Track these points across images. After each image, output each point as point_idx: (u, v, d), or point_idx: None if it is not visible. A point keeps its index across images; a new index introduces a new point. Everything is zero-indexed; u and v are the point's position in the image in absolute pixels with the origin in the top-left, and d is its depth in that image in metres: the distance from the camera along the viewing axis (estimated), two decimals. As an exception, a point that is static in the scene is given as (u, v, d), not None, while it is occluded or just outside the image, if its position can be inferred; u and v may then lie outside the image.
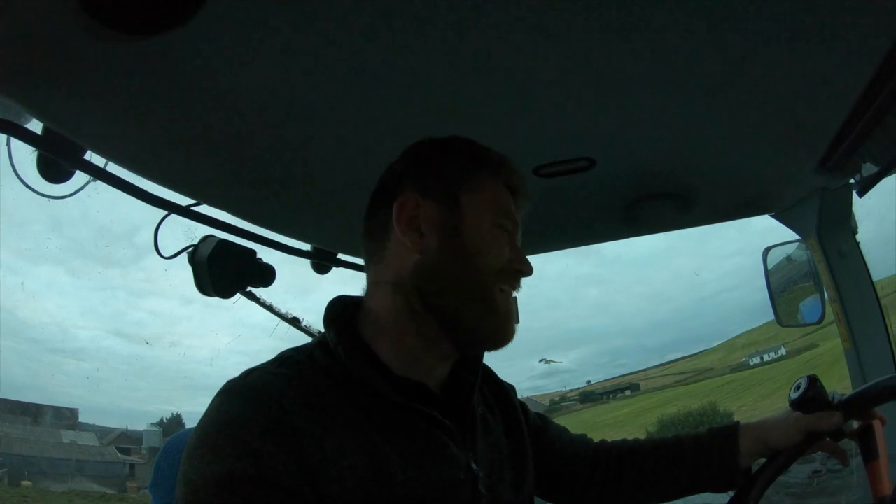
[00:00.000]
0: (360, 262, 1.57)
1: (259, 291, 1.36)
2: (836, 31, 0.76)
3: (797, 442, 0.86)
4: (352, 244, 1.51)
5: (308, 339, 1.41)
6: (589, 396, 79.35)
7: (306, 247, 1.48)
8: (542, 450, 0.91)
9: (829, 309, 1.44)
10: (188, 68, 0.73)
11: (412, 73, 0.80)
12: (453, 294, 0.71)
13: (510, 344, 0.75)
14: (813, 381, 0.88)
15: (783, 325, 1.60)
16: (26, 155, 0.87)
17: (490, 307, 0.72)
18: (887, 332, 1.33)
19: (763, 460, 0.90)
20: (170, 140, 0.90)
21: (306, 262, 1.54)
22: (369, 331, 0.73)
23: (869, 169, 1.09)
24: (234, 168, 1.02)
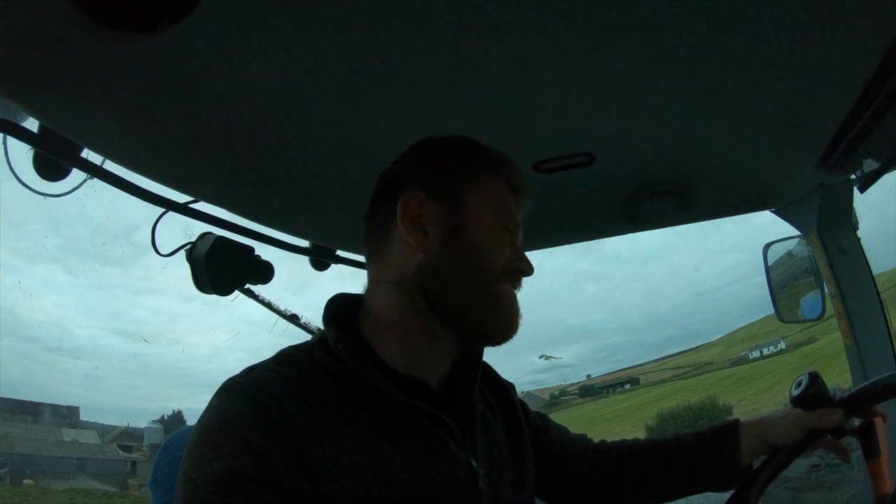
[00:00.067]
0: (359, 258, 1.59)
1: (258, 288, 1.36)
2: (837, 27, 0.75)
3: (798, 439, 0.86)
4: (350, 241, 1.50)
5: (307, 336, 1.41)
6: (589, 390, 79.53)
7: (305, 243, 1.47)
8: (541, 448, 0.91)
9: (829, 304, 1.44)
10: (185, 66, 0.72)
11: (411, 71, 0.79)
12: (457, 292, 0.71)
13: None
14: (814, 378, 0.88)
15: (784, 321, 1.60)
16: (23, 153, 0.87)
17: (494, 304, 0.73)
18: (888, 328, 1.33)
19: (763, 458, 0.90)
20: (167, 138, 0.89)
21: (305, 259, 1.53)
22: (370, 328, 0.72)
23: (870, 165, 1.08)
24: (232, 165, 1.01)
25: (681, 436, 0.95)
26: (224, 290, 1.23)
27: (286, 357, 0.70)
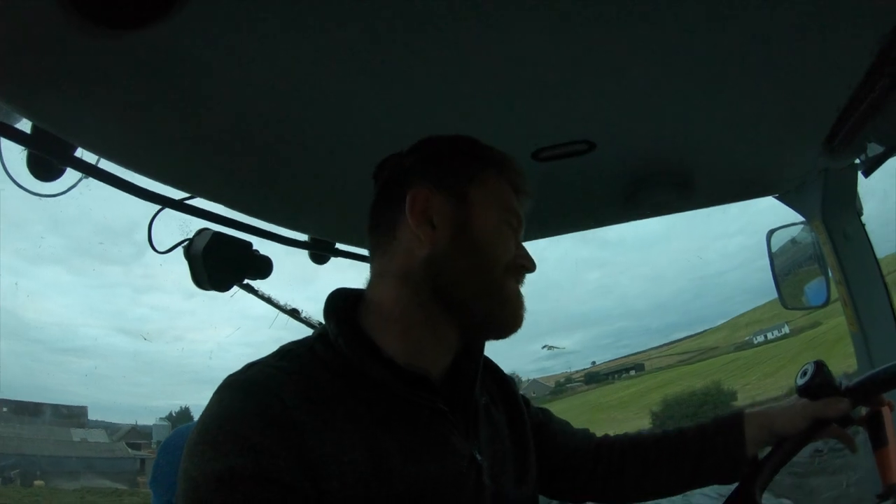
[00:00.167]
0: (359, 251, 1.59)
1: (258, 283, 1.36)
2: (839, 9, 0.74)
3: (804, 429, 0.85)
4: (350, 233, 1.50)
5: (308, 330, 1.41)
6: (594, 377, 79.67)
7: (303, 237, 1.47)
8: (543, 443, 0.91)
9: (833, 290, 1.43)
10: (178, 62, 0.72)
11: (407, 60, 0.78)
12: (464, 286, 0.72)
13: None
14: (820, 366, 0.87)
15: (788, 308, 1.59)
16: (16, 154, 0.86)
17: (500, 298, 0.74)
18: (894, 314, 1.31)
19: (769, 448, 0.89)
20: (161, 134, 0.89)
21: (308, 253, 1.53)
22: (372, 322, 0.73)
23: (874, 149, 1.07)
24: (228, 160, 1.01)
25: (684, 428, 0.95)
26: (222, 286, 1.22)
27: (287, 352, 0.70)
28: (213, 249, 1.19)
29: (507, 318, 0.75)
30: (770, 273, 1.59)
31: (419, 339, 0.72)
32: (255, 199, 1.20)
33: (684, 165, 1.26)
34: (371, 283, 0.77)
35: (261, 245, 1.34)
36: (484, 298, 0.73)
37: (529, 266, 0.78)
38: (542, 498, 0.90)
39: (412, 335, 0.72)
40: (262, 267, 1.32)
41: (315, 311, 1.53)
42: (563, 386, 77.05)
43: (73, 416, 39.41)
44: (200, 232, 1.21)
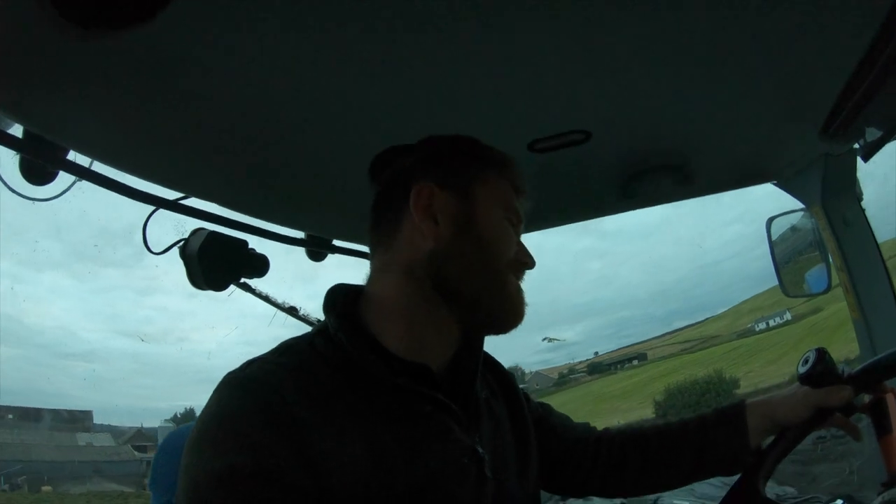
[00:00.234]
0: (356, 247, 1.58)
1: (255, 282, 1.36)
2: None
3: (807, 418, 0.85)
4: (347, 230, 1.50)
5: (306, 328, 1.41)
6: (597, 368, 79.81)
7: (300, 234, 1.46)
8: (544, 436, 0.91)
9: (834, 277, 1.42)
10: (167, 61, 0.71)
11: (400, 53, 0.77)
12: (467, 280, 0.73)
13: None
14: (821, 354, 0.86)
15: (789, 296, 1.59)
16: (8, 158, 0.87)
17: (502, 293, 0.75)
18: (896, 300, 1.30)
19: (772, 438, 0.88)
20: (154, 135, 0.88)
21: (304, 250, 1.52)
22: (373, 316, 0.73)
23: (873, 133, 1.05)
24: (222, 159, 1.00)
25: (686, 419, 0.94)
26: (219, 286, 1.23)
27: (287, 348, 0.70)
28: (209, 249, 1.19)
29: (509, 313, 0.76)
30: (770, 260, 1.59)
31: (421, 333, 0.73)
32: (251, 197, 1.19)
33: (682, 153, 1.25)
34: (372, 278, 0.78)
35: (258, 244, 1.34)
36: (486, 293, 0.74)
37: (529, 263, 0.79)
38: (542, 493, 0.90)
39: (414, 329, 0.73)
40: (259, 265, 1.32)
41: (315, 308, 1.53)
42: (566, 377, 77.22)
43: (79, 420, 39.67)
44: (196, 232, 1.21)
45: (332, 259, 1.59)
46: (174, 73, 0.74)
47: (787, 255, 1.57)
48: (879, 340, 1.30)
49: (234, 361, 0.67)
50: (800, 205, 1.49)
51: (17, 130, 0.82)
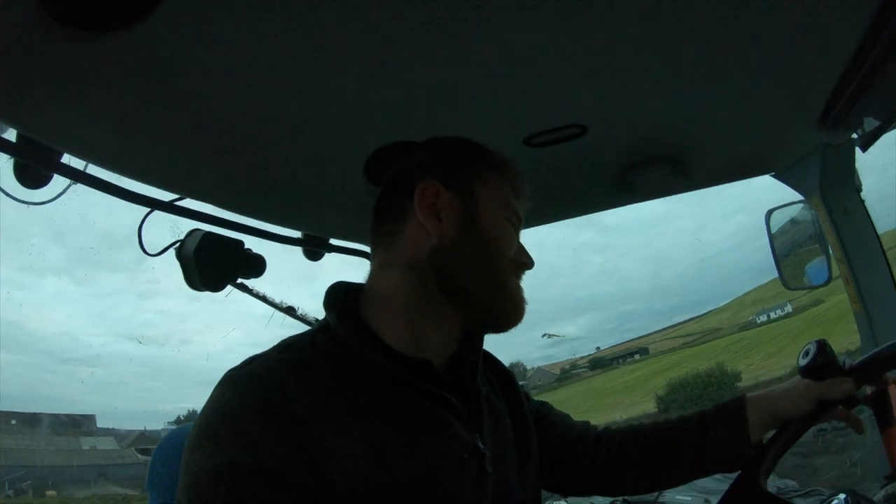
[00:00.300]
0: (354, 246, 1.57)
1: (253, 282, 1.35)
2: None
3: (808, 411, 0.84)
4: (344, 229, 1.50)
5: (305, 327, 1.41)
6: (599, 363, 79.95)
7: (296, 234, 1.46)
8: (543, 434, 0.90)
9: (835, 269, 1.42)
10: (160, 62, 0.71)
11: (395, 50, 0.77)
12: (470, 278, 0.74)
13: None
14: (822, 346, 0.85)
15: (790, 289, 1.58)
16: (2, 162, 0.86)
17: (504, 291, 0.76)
18: (897, 290, 1.29)
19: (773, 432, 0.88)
20: (148, 136, 0.88)
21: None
22: (374, 313, 0.73)
23: (871, 123, 1.05)
24: (216, 160, 1.00)
25: (686, 416, 0.94)
26: (216, 286, 1.22)
27: (288, 345, 0.70)
28: (205, 250, 1.19)
29: (510, 311, 0.77)
30: (769, 250, 1.58)
31: (422, 329, 0.73)
32: (247, 197, 1.19)
33: (679, 146, 1.24)
34: (373, 274, 0.78)
35: (255, 244, 1.34)
36: (488, 291, 0.75)
37: (529, 263, 0.80)
38: (542, 493, 0.89)
39: (415, 324, 0.73)
40: (255, 265, 1.32)
41: (314, 308, 1.53)
42: (568, 373, 77.35)
43: (82, 424, 39.74)
44: (191, 233, 1.20)
45: (331, 259, 1.59)
46: (168, 73, 0.73)
47: (787, 247, 1.57)
48: (881, 332, 1.29)
49: (236, 363, 0.68)
50: (799, 196, 1.48)
51: (10, 135, 0.82)
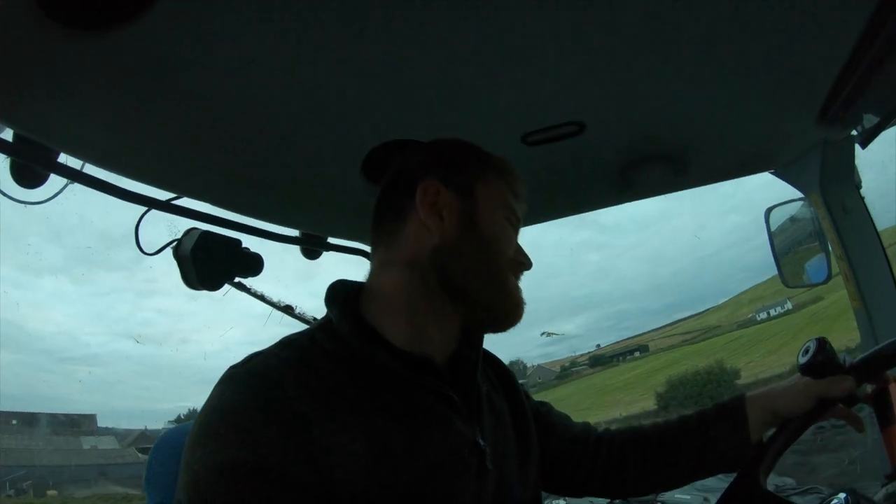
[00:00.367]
0: (352, 244, 1.57)
1: (250, 281, 1.35)
2: None
3: (808, 409, 0.84)
4: (342, 227, 1.49)
5: (304, 326, 1.41)
6: (599, 360, 79.92)
7: (294, 232, 1.46)
8: (543, 434, 0.91)
9: (835, 266, 1.41)
10: (156, 60, 0.70)
11: (391, 48, 0.77)
12: (470, 276, 0.75)
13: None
14: (822, 343, 0.85)
15: (789, 287, 1.57)
16: None
17: (504, 290, 0.77)
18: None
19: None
20: (144, 135, 0.88)
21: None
22: (375, 311, 0.74)
23: (870, 120, 1.04)
24: (213, 158, 0.99)
25: (685, 417, 0.94)
26: (213, 286, 1.22)
27: (289, 343, 0.70)
28: (202, 249, 1.18)
29: (510, 311, 0.77)
30: (767, 247, 1.58)
31: (423, 326, 0.74)
32: (244, 196, 1.19)
33: (678, 143, 1.23)
34: (374, 273, 0.79)
35: (254, 243, 1.34)
36: (488, 290, 0.76)
37: (527, 264, 0.81)
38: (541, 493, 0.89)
39: (416, 322, 0.74)
40: (253, 264, 1.32)
41: (312, 307, 1.53)
42: (568, 370, 77.35)
43: (82, 424, 39.82)
44: (188, 232, 1.20)
45: (329, 258, 1.59)
46: (165, 72, 0.73)
47: (787, 245, 1.56)
48: (881, 329, 1.29)
49: (233, 362, 0.67)
50: (798, 193, 1.48)
51: (7, 134, 0.82)
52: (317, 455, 0.59)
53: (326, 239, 1.53)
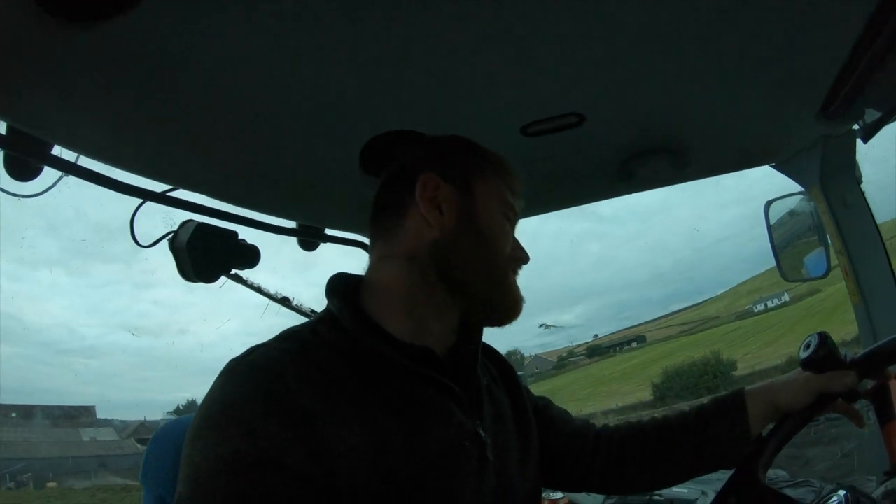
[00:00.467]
0: (349, 236, 1.56)
1: (247, 273, 1.35)
2: None
3: (809, 404, 0.84)
4: (339, 219, 1.48)
5: (300, 318, 1.40)
6: (596, 350, 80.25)
7: (291, 224, 1.45)
8: (543, 428, 0.91)
9: (833, 261, 1.41)
10: (150, 51, 0.69)
11: (388, 39, 0.76)
12: (469, 270, 0.76)
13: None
14: (824, 338, 0.85)
15: (788, 280, 1.58)
16: None
17: (504, 284, 0.79)
18: (897, 284, 1.29)
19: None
20: (139, 126, 0.87)
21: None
22: (375, 304, 0.74)
23: (872, 114, 1.04)
24: (210, 149, 0.99)
25: (685, 413, 0.94)
26: (209, 278, 1.21)
27: (290, 335, 0.70)
28: (198, 241, 1.18)
29: (509, 306, 0.79)
30: (766, 239, 1.58)
31: (424, 319, 0.75)
32: (240, 187, 1.18)
33: (678, 136, 1.23)
34: (373, 266, 0.79)
35: (250, 234, 1.33)
36: (487, 283, 0.77)
37: (524, 259, 0.82)
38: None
39: (416, 314, 0.74)
40: (250, 256, 1.31)
41: (309, 298, 1.52)
42: (565, 360, 77.69)
43: (81, 416, 40.00)
44: (184, 224, 1.19)
45: (327, 249, 1.58)
46: (160, 64, 0.72)
47: (786, 239, 1.56)
48: (880, 325, 1.29)
49: (239, 351, 0.67)
50: (798, 187, 1.48)
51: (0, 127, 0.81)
52: (318, 448, 0.59)
53: (324, 230, 1.52)
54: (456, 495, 0.68)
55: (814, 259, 1.48)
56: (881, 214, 1.41)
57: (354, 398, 0.64)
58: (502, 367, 0.92)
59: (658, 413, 1.02)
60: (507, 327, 0.81)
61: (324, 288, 0.78)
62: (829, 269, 1.44)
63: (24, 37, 0.61)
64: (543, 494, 0.90)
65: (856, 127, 1.22)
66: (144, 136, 0.90)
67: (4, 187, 0.89)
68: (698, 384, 24.17)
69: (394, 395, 0.67)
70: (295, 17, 0.68)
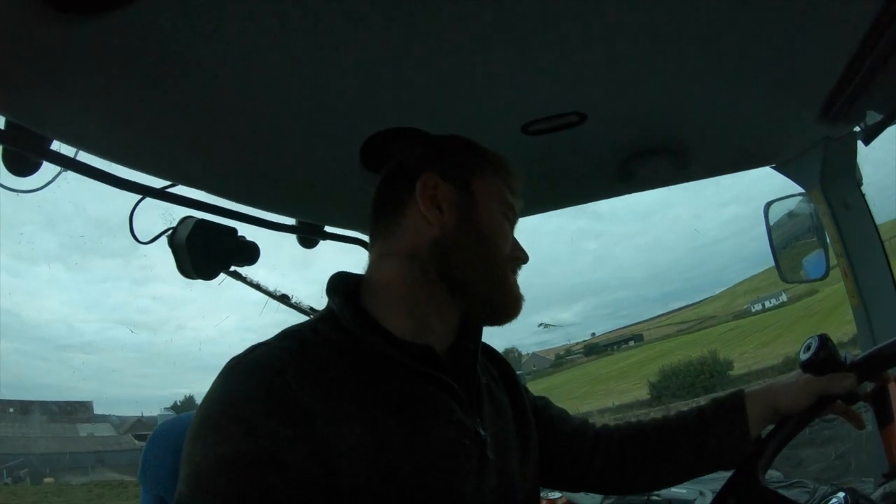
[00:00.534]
0: (349, 233, 1.56)
1: (246, 270, 1.34)
2: None
3: (808, 406, 0.84)
4: (339, 216, 1.48)
5: (299, 316, 1.40)
6: (594, 349, 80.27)
7: (291, 221, 1.45)
8: (542, 427, 0.91)
9: (832, 262, 1.41)
10: (150, 46, 0.69)
11: (389, 37, 0.75)
12: (470, 268, 0.76)
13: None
14: (824, 340, 0.85)
15: (787, 281, 1.59)
16: None
17: (504, 283, 0.79)
18: (896, 286, 1.29)
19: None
20: (139, 122, 0.87)
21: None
22: (375, 302, 0.74)
23: (873, 117, 1.04)
24: (209, 146, 0.98)
25: (684, 413, 0.94)
26: (208, 274, 1.21)
27: (290, 334, 0.70)
28: (197, 237, 1.18)
29: (508, 305, 0.79)
30: (766, 239, 1.58)
31: (424, 317, 0.75)
32: (239, 184, 1.18)
33: (679, 136, 1.23)
34: (373, 265, 0.79)
35: (249, 231, 1.33)
36: (487, 282, 0.77)
37: (524, 258, 0.82)
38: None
39: (416, 312, 0.74)
40: (249, 253, 1.31)
41: (308, 295, 1.52)
42: (563, 358, 77.69)
43: (79, 411, 39.97)
44: (184, 220, 1.19)
45: (326, 246, 1.58)
46: (159, 59, 0.72)
47: (785, 240, 1.56)
48: (879, 327, 1.29)
49: (238, 348, 0.66)
50: (798, 188, 1.48)
51: (-2, 122, 0.81)
52: (318, 447, 0.58)
53: (323, 228, 1.52)
54: (457, 494, 0.68)
55: (813, 260, 1.48)
56: (881, 215, 1.41)
57: (355, 397, 0.64)
58: (502, 367, 0.92)
59: (657, 413, 1.02)
60: (505, 326, 0.82)
61: (323, 285, 0.78)
62: (828, 271, 1.44)
63: (23, 32, 0.61)
64: (541, 494, 0.90)
65: (857, 129, 1.22)
66: (144, 132, 0.90)
67: (3, 182, 0.89)
68: (695, 383, 24.21)
69: (394, 393, 0.67)
70: (295, 14, 0.68)
